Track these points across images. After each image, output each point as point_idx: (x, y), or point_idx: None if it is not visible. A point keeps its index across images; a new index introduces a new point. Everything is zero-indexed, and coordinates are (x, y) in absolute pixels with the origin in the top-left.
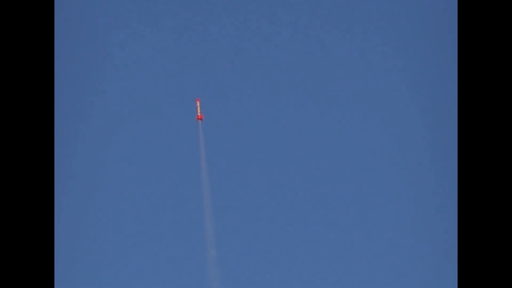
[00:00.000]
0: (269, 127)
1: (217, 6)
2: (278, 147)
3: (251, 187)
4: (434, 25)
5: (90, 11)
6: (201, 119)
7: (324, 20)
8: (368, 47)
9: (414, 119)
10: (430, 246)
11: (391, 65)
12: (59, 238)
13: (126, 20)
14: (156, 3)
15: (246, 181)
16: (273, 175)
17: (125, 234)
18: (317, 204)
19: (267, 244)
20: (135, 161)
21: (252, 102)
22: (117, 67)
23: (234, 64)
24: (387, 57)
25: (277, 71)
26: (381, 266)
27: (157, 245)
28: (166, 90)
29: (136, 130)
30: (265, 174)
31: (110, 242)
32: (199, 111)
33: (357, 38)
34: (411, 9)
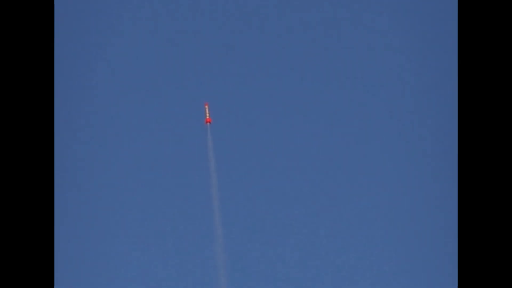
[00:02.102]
0: (277, 130)
1: (226, 9)
2: (286, 150)
3: (259, 189)
4: (434, 25)
5: (93, 13)
6: (209, 122)
7: (335, 22)
8: (371, 49)
9: (414, 119)
10: (430, 246)
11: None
12: (62, 238)
13: (135, 21)
14: (166, 5)
15: (254, 182)
16: (280, 177)
17: (133, 236)
18: (325, 204)
19: (275, 245)
20: (144, 162)
21: (260, 105)
22: (126, 70)
23: (242, 67)
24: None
25: (285, 73)
26: (382, 267)
27: (166, 247)
28: (176, 93)
29: (145, 132)
30: (272, 176)
31: (118, 244)
32: (207, 114)
33: (363, 38)
34: (411, 9)
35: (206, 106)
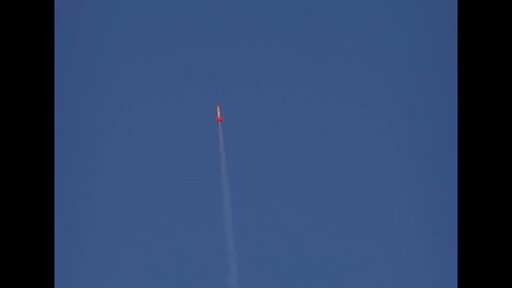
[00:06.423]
0: (288, 128)
1: (235, 8)
2: (297, 147)
3: (269, 186)
4: (434, 25)
5: (98, 11)
6: (220, 121)
7: (349, 23)
8: (373, 49)
9: (414, 119)
10: (430, 246)
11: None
12: (62, 238)
13: (150, 21)
14: (178, 6)
15: (264, 180)
16: (291, 174)
17: (143, 233)
18: (334, 204)
19: (285, 243)
20: (155, 160)
21: (270, 103)
22: (139, 70)
23: (253, 66)
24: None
25: (294, 71)
26: (383, 267)
27: (177, 244)
28: (187, 91)
29: (155, 130)
30: (283, 174)
31: (127, 242)
32: (219, 113)
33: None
34: (411, 9)
35: (218, 107)
